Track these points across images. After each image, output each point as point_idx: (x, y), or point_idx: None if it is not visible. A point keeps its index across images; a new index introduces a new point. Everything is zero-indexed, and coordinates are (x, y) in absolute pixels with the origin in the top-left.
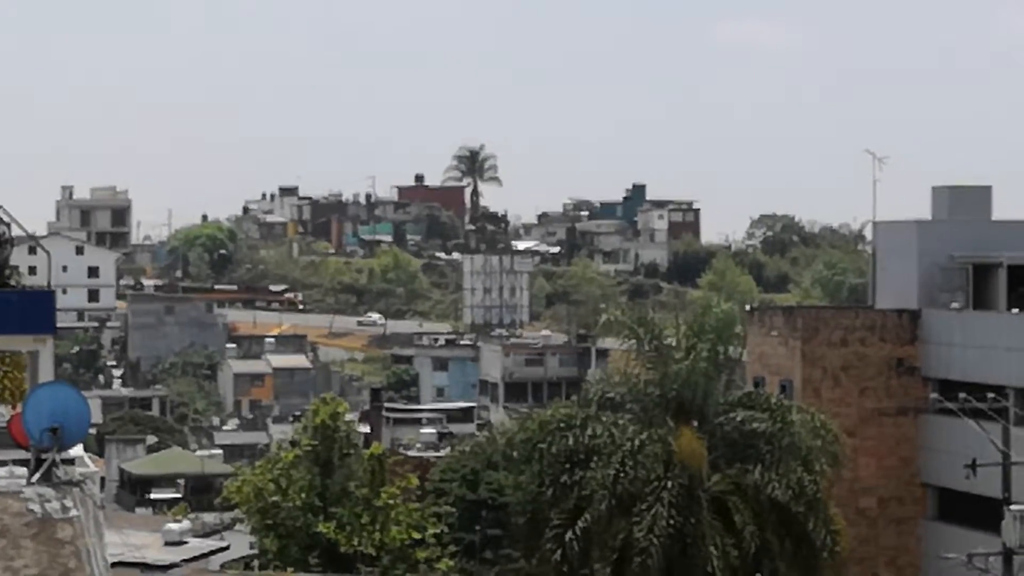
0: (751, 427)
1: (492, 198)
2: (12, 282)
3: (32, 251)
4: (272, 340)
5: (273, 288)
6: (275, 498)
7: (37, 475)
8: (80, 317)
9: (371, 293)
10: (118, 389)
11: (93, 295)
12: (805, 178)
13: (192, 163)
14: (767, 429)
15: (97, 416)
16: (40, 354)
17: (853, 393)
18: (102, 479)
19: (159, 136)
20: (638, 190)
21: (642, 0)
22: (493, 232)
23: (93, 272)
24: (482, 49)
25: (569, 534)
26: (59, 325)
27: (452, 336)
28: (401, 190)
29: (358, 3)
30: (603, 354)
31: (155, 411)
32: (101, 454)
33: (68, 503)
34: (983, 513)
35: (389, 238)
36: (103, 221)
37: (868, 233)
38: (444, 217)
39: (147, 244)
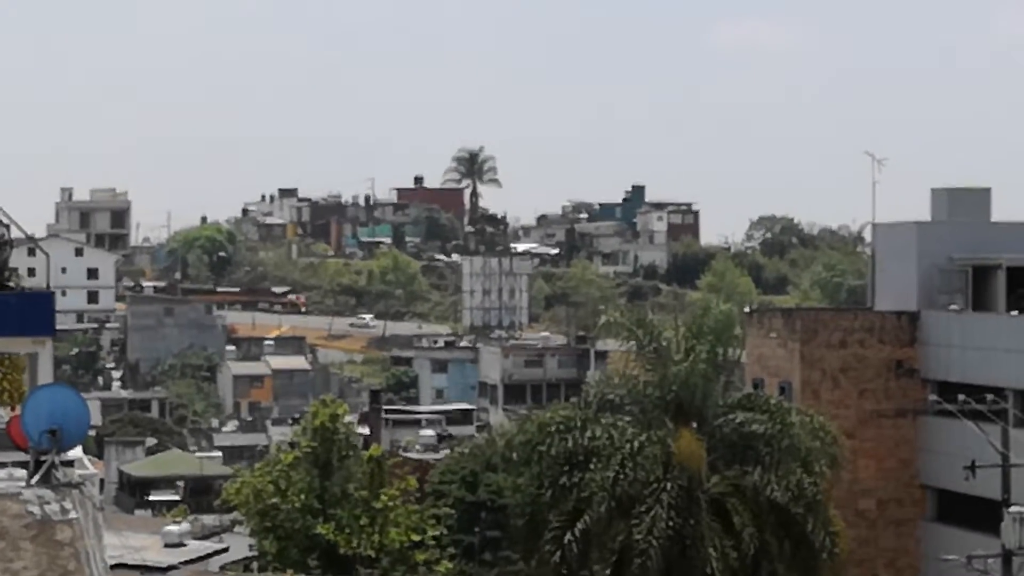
0: (750, 429)
1: (491, 200)
2: (11, 284)
3: (31, 253)
4: (271, 342)
5: (276, 290)
6: (274, 500)
7: (36, 477)
8: (79, 319)
9: (370, 295)
10: (117, 391)
11: (92, 297)
12: (804, 180)
13: (191, 165)
14: (766, 431)
15: (96, 418)
16: (39, 356)
17: (852, 395)
18: (101, 481)
19: (159, 137)
20: (637, 192)
21: (641, 1)
22: (492, 234)
23: (92, 274)
24: (481, 50)
25: (568, 536)
26: (58, 327)
27: (451, 338)
28: (400, 192)
29: (358, 3)
30: (602, 356)
31: (154, 413)
32: (100, 456)
33: (67, 505)
34: (982, 515)
35: (388, 240)
36: (102, 223)
37: (867, 235)
38: (443, 219)
39: (146, 246)
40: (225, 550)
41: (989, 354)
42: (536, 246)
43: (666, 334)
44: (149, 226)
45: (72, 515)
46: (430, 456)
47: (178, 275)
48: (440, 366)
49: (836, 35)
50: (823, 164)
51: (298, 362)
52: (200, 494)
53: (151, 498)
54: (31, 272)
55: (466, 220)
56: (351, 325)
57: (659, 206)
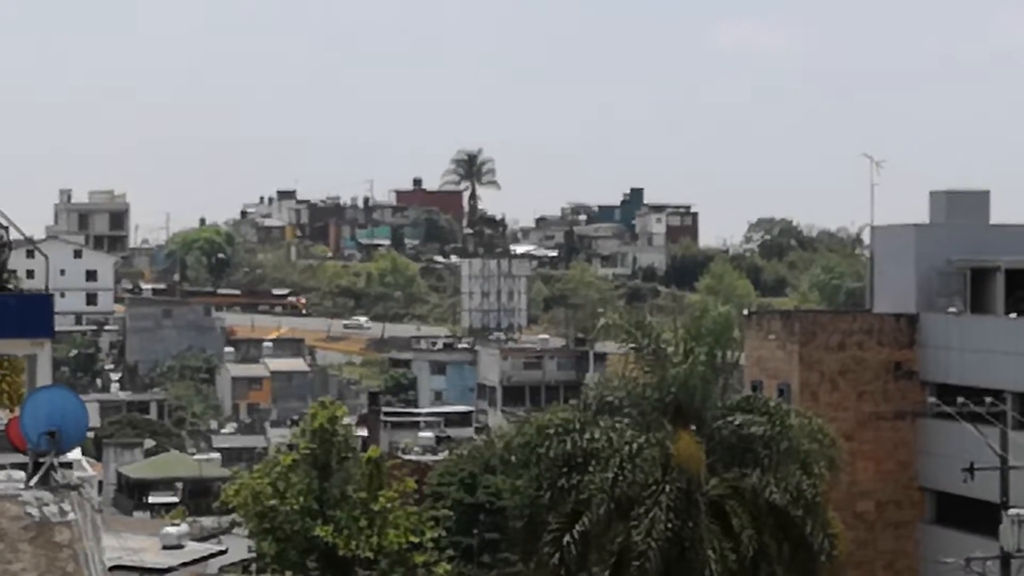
0: (749, 431)
1: (490, 202)
2: (10, 286)
3: (30, 254)
4: (270, 344)
5: (276, 292)
6: (273, 502)
7: (35, 479)
8: (78, 321)
9: (369, 297)
10: (116, 393)
11: (91, 299)
12: (803, 181)
13: (190, 166)
14: (765, 433)
15: (95, 420)
16: (38, 358)
17: (851, 397)
18: (100, 483)
19: (158, 137)
20: (636, 194)
21: (641, 1)
22: (491, 236)
23: (91, 276)
24: (481, 50)
25: (567, 538)
26: (57, 329)
27: (450, 340)
28: (399, 194)
29: (358, 3)
30: (601, 358)
31: (153, 415)
32: (99, 458)
33: (66, 507)
34: (981, 517)
35: (387, 242)
36: (101, 225)
37: (866, 237)
38: (442, 221)
39: (145, 248)
40: (224, 552)
41: (988, 356)
42: (535, 248)
43: (665, 336)
44: (148, 228)
45: (71, 517)
46: (429, 458)
47: (177, 277)
48: (439, 368)
49: (836, 35)
50: (822, 166)
51: (297, 364)
52: (199, 496)
53: (150, 500)
54: (30, 274)
55: (465, 222)
56: (345, 327)
57: (658, 208)
